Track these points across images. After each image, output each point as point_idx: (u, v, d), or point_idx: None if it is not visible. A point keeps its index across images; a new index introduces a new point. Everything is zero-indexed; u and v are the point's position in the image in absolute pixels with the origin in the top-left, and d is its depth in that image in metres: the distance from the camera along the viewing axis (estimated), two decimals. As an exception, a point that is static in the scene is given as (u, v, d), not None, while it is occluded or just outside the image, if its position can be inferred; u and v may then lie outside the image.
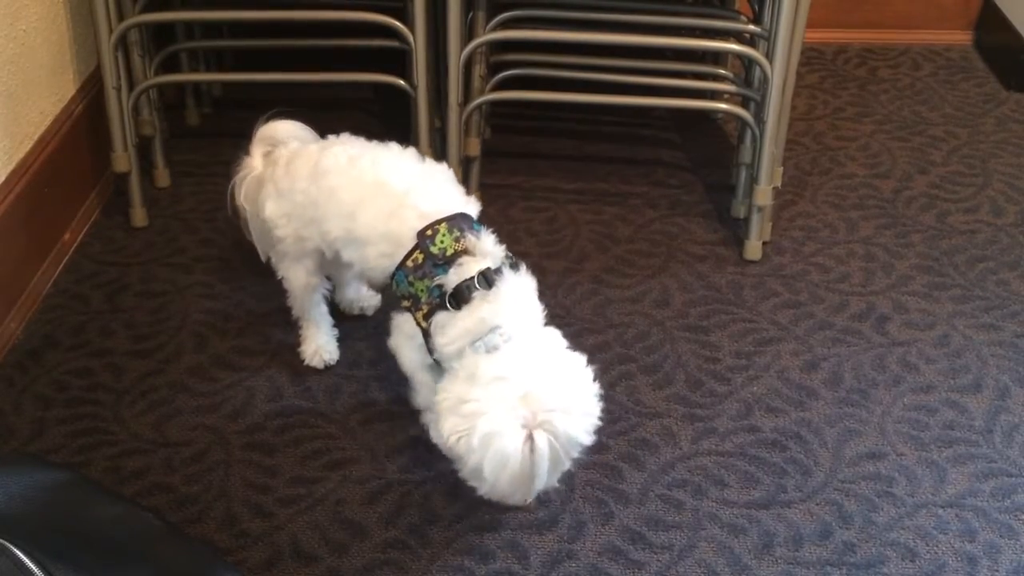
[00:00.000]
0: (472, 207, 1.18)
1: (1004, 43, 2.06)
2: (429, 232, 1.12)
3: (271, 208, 1.24)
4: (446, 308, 1.08)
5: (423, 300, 1.11)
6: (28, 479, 1.01)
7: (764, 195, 1.53)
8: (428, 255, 1.11)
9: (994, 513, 1.18)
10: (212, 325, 1.41)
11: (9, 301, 1.38)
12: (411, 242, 1.12)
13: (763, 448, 1.26)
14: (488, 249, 1.10)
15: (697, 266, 1.55)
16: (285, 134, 1.29)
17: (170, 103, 1.82)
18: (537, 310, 1.11)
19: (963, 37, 2.16)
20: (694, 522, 1.16)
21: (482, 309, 1.06)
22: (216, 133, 1.83)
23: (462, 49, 1.49)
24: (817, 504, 1.19)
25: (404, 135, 1.73)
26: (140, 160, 1.59)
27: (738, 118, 1.62)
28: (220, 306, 1.45)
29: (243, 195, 1.30)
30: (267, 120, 1.31)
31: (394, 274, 1.14)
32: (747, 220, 1.57)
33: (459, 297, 1.08)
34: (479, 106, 1.58)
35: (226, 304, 1.45)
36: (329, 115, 1.88)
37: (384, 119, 1.87)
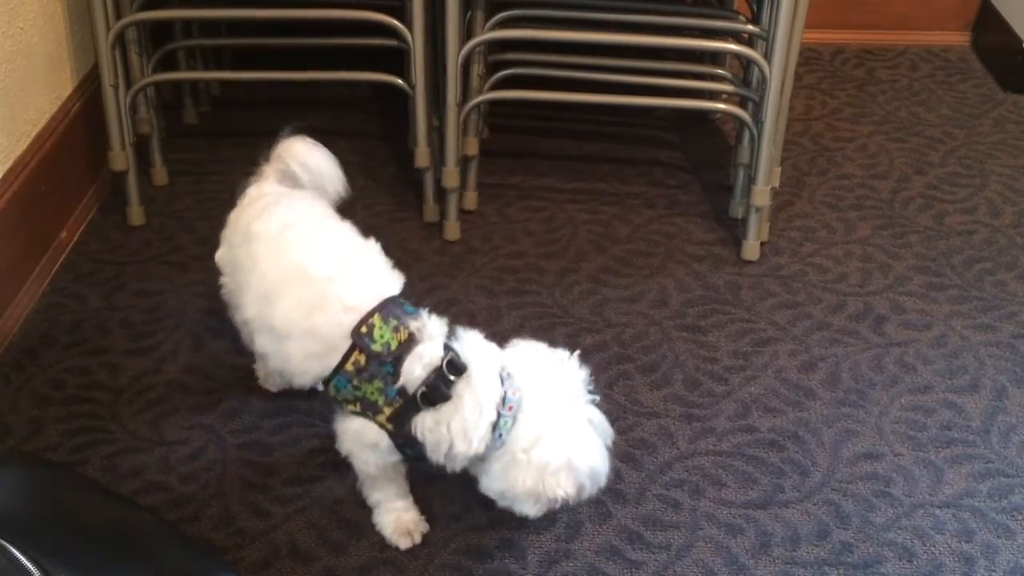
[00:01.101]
0: (397, 281, 1.08)
1: (1001, 44, 2.06)
2: (364, 329, 1.01)
3: (220, 252, 1.17)
4: (419, 409, 1.00)
5: (381, 403, 1.02)
6: (25, 477, 1.01)
7: (762, 195, 1.53)
8: (371, 355, 1.01)
9: (991, 513, 1.18)
10: (209, 324, 1.41)
11: (6, 299, 1.38)
12: (345, 342, 1.02)
13: (761, 448, 1.26)
14: (433, 330, 1.02)
15: (695, 266, 1.55)
16: (301, 159, 1.18)
17: (168, 102, 1.82)
18: (494, 347, 1.04)
19: (961, 38, 2.17)
20: (692, 522, 1.16)
21: (475, 393, 0.98)
22: (214, 132, 1.83)
23: (460, 48, 1.49)
24: (814, 504, 1.19)
25: (402, 134, 1.73)
26: (137, 159, 1.59)
27: (736, 118, 1.62)
28: (217, 305, 1.44)
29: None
30: (289, 135, 1.20)
31: (331, 379, 1.03)
32: (745, 220, 1.57)
33: (437, 396, 0.99)
34: (477, 105, 1.58)
35: (223, 303, 1.45)
36: (327, 114, 1.88)
37: (382, 118, 1.87)
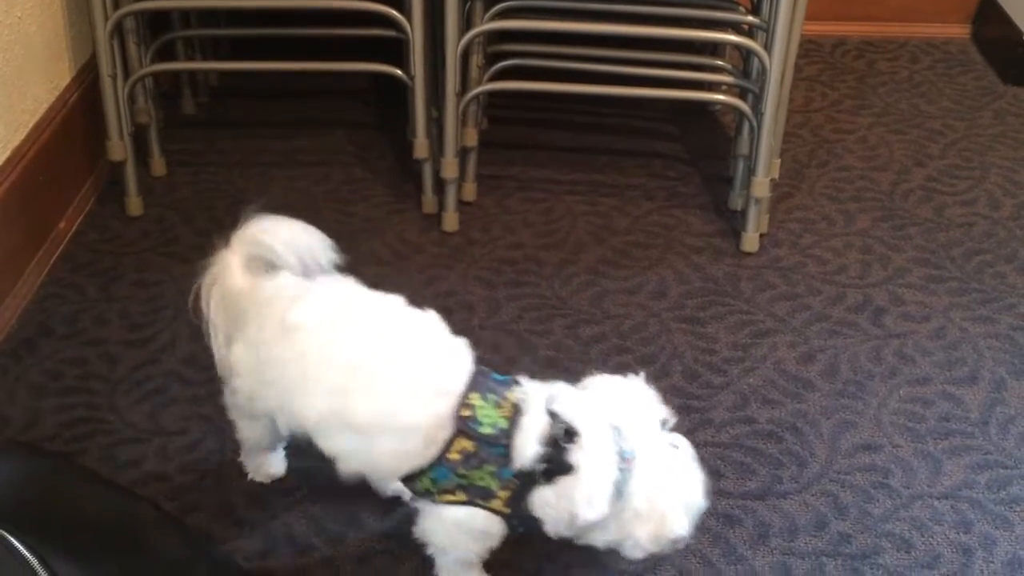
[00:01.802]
0: (466, 348, 0.98)
1: (1002, 36, 2.05)
2: (467, 412, 0.93)
3: (238, 353, 1.01)
4: (537, 485, 0.92)
5: (495, 488, 0.93)
6: (23, 467, 1.01)
7: (761, 187, 1.53)
8: (480, 439, 0.92)
9: (989, 504, 1.18)
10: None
11: (3, 290, 1.38)
12: (443, 430, 0.92)
13: (759, 439, 1.26)
14: (535, 397, 0.94)
15: (694, 258, 1.55)
16: (278, 244, 1.01)
17: (166, 92, 1.81)
18: (593, 397, 0.96)
19: (961, 30, 2.16)
20: (690, 513, 1.16)
21: (593, 457, 0.91)
22: (212, 123, 1.82)
23: (460, 39, 1.49)
24: (813, 495, 1.19)
25: (401, 125, 1.73)
26: (136, 149, 1.59)
27: (736, 109, 1.61)
28: (216, 295, 1.45)
29: (213, 306, 1.03)
30: (255, 214, 1.01)
31: (429, 470, 0.94)
32: (744, 212, 1.57)
33: (560, 470, 0.91)
34: (476, 96, 1.57)
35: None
36: (325, 105, 1.88)
37: (381, 109, 1.87)
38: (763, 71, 1.47)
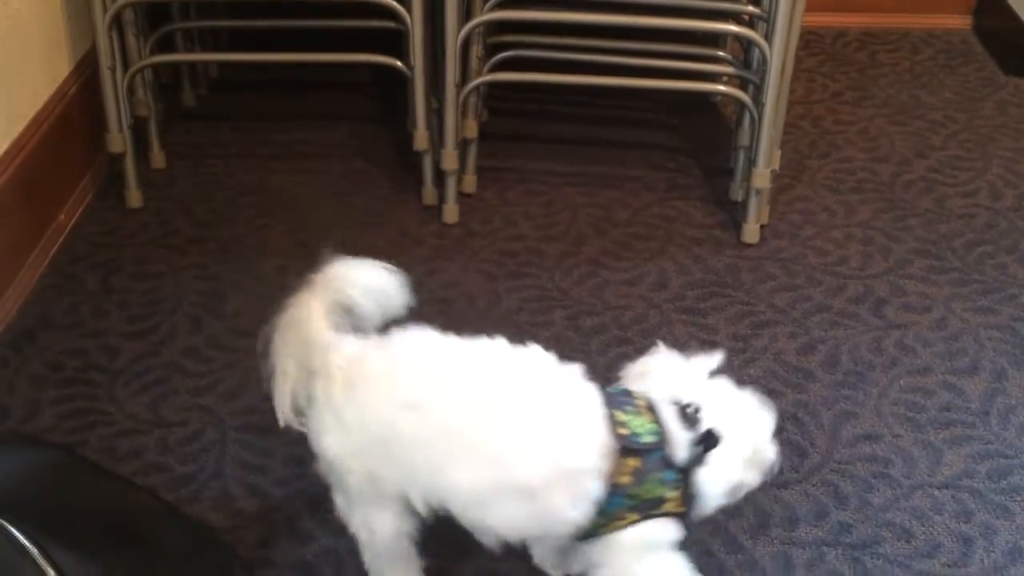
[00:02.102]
0: (579, 368, 0.95)
1: (1003, 27, 2.05)
2: (623, 430, 0.90)
3: (333, 444, 0.91)
4: (696, 471, 0.92)
5: (666, 493, 0.92)
6: (23, 458, 1.01)
7: (762, 178, 1.52)
8: (644, 452, 0.90)
9: (990, 494, 1.18)
10: (207, 306, 1.41)
11: (3, 282, 1.38)
12: (601, 459, 0.88)
13: (760, 430, 1.25)
14: (658, 389, 0.93)
15: (695, 249, 1.55)
16: (359, 292, 0.92)
17: (166, 84, 1.81)
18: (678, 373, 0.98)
19: (962, 21, 2.15)
20: (690, 503, 1.16)
21: (724, 419, 0.92)
22: (212, 115, 1.82)
23: (460, 29, 1.48)
24: (813, 485, 1.19)
25: (401, 117, 1.73)
26: (135, 141, 1.58)
27: (737, 101, 1.61)
28: (215, 287, 1.45)
29: (286, 354, 0.93)
30: (333, 255, 0.93)
31: (604, 502, 0.90)
32: (745, 203, 1.56)
33: (714, 445, 0.91)
34: (476, 87, 1.57)
35: (221, 285, 1.45)
36: (325, 97, 1.88)
37: (381, 101, 1.87)
38: (764, 61, 1.47)
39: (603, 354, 1.34)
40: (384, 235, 1.56)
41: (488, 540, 0.92)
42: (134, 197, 1.59)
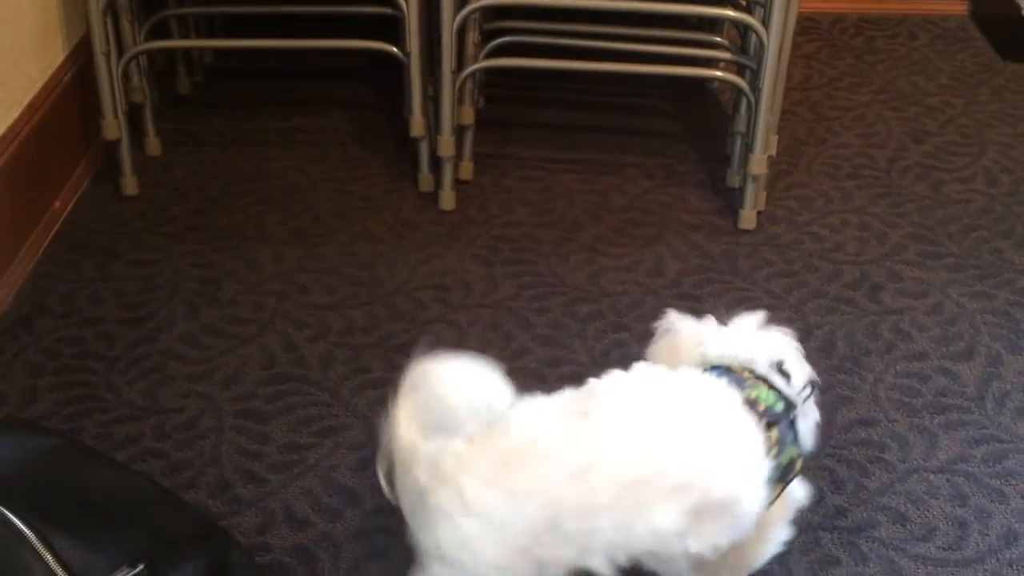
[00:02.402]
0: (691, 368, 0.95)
1: (1000, 13, 2.05)
2: (760, 407, 0.90)
3: (484, 549, 0.81)
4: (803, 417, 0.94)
5: (794, 452, 0.92)
6: (21, 444, 1.01)
7: (759, 164, 1.52)
8: (777, 417, 0.90)
9: (985, 478, 1.19)
10: (204, 293, 1.41)
11: (-1, 269, 1.38)
12: (756, 442, 0.88)
13: (756, 415, 1.26)
14: (754, 354, 0.93)
15: (691, 235, 1.55)
16: (460, 402, 0.82)
17: (161, 71, 1.80)
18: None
19: (960, 7, 2.15)
20: (687, 488, 1.16)
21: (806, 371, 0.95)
22: (208, 102, 1.81)
23: (455, 15, 1.48)
24: (809, 469, 1.19)
25: (397, 104, 1.72)
26: (130, 128, 1.58)
27: (734, 87, 1.61)
28: (212, 275, 1.44)
29: (397, 486, 0.87)
30: (421, 356, 0.83)
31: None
32: (742, 189, 1.56)
33: (809, 395, 0.94)
34: (473, 74, 1.57)
35: (218, 273, 1.45)
36: (321, 83, 1.87)
37: (377, 88, 1.86)
38: (761, 47, 1.47)
39: (599, 340, 1.34)
40: (381, 222, 1.55)
41: (673, 570, 0.89)
42: (130, 184, 1.59)
